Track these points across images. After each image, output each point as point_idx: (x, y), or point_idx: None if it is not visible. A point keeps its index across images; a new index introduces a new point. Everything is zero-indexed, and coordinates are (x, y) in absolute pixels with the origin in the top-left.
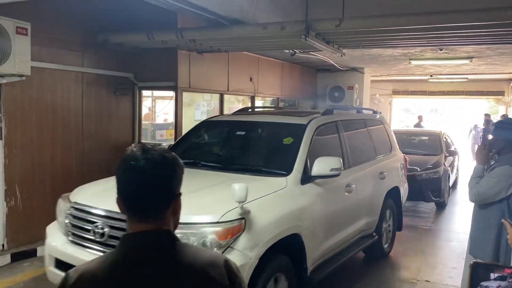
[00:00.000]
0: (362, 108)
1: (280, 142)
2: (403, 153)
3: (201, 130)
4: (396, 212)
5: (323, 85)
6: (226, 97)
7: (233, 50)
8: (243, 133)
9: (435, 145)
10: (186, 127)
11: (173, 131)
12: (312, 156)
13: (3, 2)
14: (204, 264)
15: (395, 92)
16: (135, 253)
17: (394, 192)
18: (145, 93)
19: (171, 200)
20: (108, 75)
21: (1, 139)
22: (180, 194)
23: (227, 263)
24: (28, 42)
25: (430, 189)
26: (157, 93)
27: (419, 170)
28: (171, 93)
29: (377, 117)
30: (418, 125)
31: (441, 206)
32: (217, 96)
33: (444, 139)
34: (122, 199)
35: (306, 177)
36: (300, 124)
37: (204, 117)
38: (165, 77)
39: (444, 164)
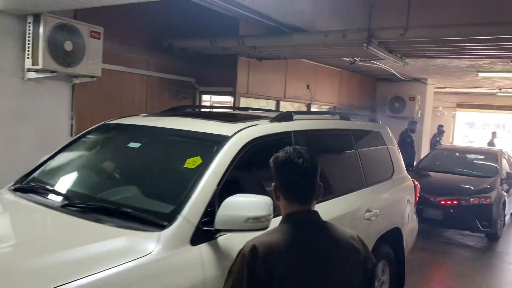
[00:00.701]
0: (351, 114)
1: (180, 163)
2: (450, 172)
3: (94, 138)
4: (396, 265)
5: (383, 95)
6: (282, 104)
7: (292, 57)
8: (137, 145)
9: (490, 166)
10: None
11: None
12: (234, 191)
13: (80, 7)
14: (349, 237)
15: (460, 105)
16: (304, 225)
17: (392, 236)
18: (204, 97)
19: (316, 188)
20: (171, 78)
21: (71, 135)
22: (320, 184)
23: (359, 237)
24: (101, 45)
25: (479, 217)
26: (215, 98)
27: (466, 194)
28: (229, 98)
29: (374, 127)
30: (491, 142)
31: (492, 239)
32: (273, 102)
33: (506, 159)
34: (285, 189)
35: (204, 232)
36: (219, 136)
37: None
38: (225, 82)
39: (499, 188)
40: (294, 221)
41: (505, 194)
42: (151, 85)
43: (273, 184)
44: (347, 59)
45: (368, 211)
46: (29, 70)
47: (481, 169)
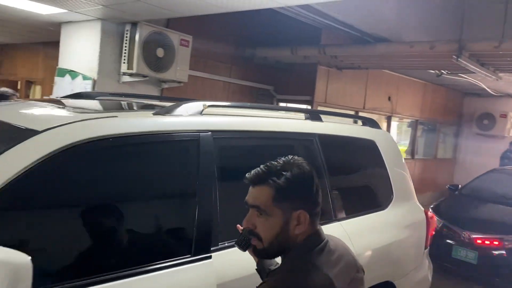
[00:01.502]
0: (316, 112)
1: None
2: (501, 202)
3: None
4: None
5: (471, 111)
6: (361, 114)
7: (374, 67)
8: None
9: None
10: None
11: None
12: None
13: (172, 17)
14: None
15: None
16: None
17: None
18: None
19: None
20: (251, 86)
21: None
22: None
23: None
24: (189, 53)
25: None
26: (291, 106)
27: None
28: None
29: (365, 133)
30: None
31: None
32: (351, 113)
33: None
34: (317, 205)
35: None
36: (22, 131)
37: None
38: (303, 91)
39: None
40: (323, 239)
41: None
42: (232, 92)
43: (296, 212)
44: (433, 72)
45: None
46: (124, 74)
47: None
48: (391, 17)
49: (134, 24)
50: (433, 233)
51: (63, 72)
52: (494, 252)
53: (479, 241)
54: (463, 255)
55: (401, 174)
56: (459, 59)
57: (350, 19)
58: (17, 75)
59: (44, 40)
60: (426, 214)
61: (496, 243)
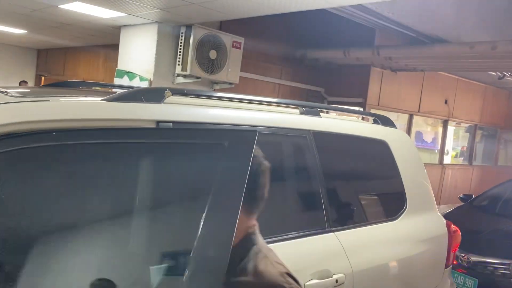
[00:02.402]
0: (313, 106)
1: None
2: (502, 216)
3: None
4: None
5: None
6: (415, 118)
7: (430, 69)
8: None
9: None
10: None
11: None
12: None
13: (225, 19)
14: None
15: None
16: None
17: None
18: None
19: None
20: (301, 88)
21: None
22: None
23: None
24: (240, 55)
25: None
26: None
27: None
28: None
29: (375, 133)
30: None
31: None
32: (405, 116)
33: None
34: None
35: None
36: None
37: None
38: (355, 93)
39: None
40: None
41: None
42: (282, 93)
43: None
44: (494, 74)
45: (316, 276)
46: (178, 75)
47: None
48: (448, 16)
49: (189, 27)
50: (455, 249)
51: (121, 74)
52: (497, 281)
53: (480, 266)
54: (461, 282)
55: (418, 181)
56: None
57: (405, 19)
58: (78, 76)
59: (104, 43)
60: (449, 227)
61: (501, 269)
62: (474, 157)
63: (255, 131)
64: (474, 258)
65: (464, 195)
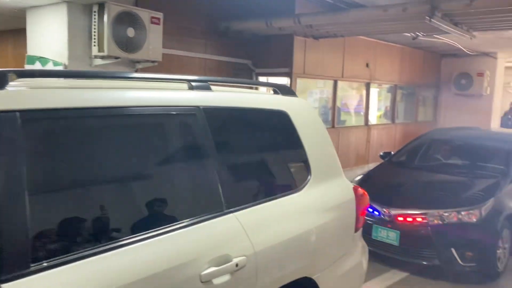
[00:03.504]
0: (203, 80)
1: None
2: (435, 171)
3: None
4: None
5: (448, 71)
6: (340, 84)
7: (350, 34)
8: None
9: (498, 161)
10: None
11: None
12: None
13: None
14: None
15: None
16: None
17: None
18: (261, 79)
19: None
20: (227, 61)
21: None
22: None
23: None
24: (161, 31)
25: (458, 244)
26: (272, 79)
27: (440, 206)
28: (286, 80)
29: (273, 103)
30: None
31: (487, 278)
32: (330, 83)
33: None
34: None
35: None
36: None
37: (316, 105)
38: (281, 63)
39: (503, 197)
40: None
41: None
42: (209, 68)
43: None
44: (409, 35)
45: (214, 264)
46: (95, 57)
47: (484, 167)
48: None
49: (101, 4)
50: (367, 210)
51: (32, 60)
52: (417, 230)
53: (400, 219)
54: (384, 235)
55: (322, 149)
56: (432, 19)
57: None
58: None
59: (12, 27)
60: (356, 191)
61: (419, 220)
62: (396, 115)
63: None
64: (394, 212)
65: (384, 152)
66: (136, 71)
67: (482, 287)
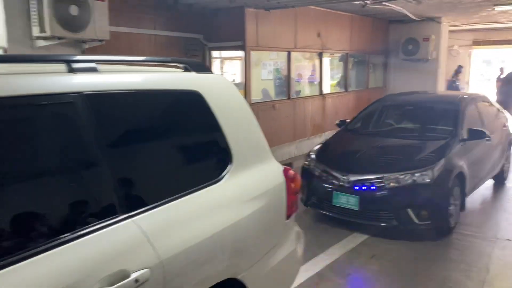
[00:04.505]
0: (84, 60)
1: None
2: (388, 135)
3: None
4: None
5: (396, 38)
6: (293, 54)
7: (300, 5)
8: None
9: (446, 122)
10: (254, 87)
11: (242, 91)
12: None
13: None
14: None
15: (476, 43)
16: None
17: None
18: (214, 54)
19: None
20: (178, 36)
21: None
22: None
23: None
24: (106, 8)
25: (412, 204)
26: (225, 53)
27: (394, 169)
28: (239, 53)
29: (181, 83)
30: (499, 79)
31: (440, 233)
32: (284, 54)
33: (477, 109)
34: None
35: None
36: None
37: (270, 77)
38: (234, 36)
39: (453, 157)
40: None
41: (464, 163)
42: (160, 45)
43: None
44: (358, 2)
45: (106, 283)
46: (38, 38)
47: (434, 129)
48: None
49: None
50: (296, 196)
51: None
52: (375, 194)
53: (358, 184)
54: (344, 201)
55: (246, 131)
56: None
57: None
58: None
59: None
60: (286, 174)
61: (376, 183)
62: (349, 84)
63: None
64: (353, 178)
65: (340, 121)
66: (83, 52)
67: (436, 242)
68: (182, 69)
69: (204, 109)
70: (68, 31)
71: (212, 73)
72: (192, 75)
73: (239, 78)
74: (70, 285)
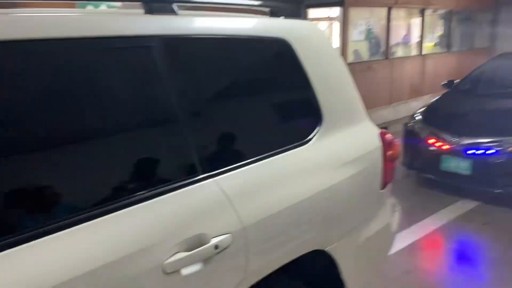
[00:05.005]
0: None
1: None
2: (490, 96)
3: None
4: None
5: None
6: (394, 11)
7: None
8: None
9: None
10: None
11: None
12: None
13: None
14: None
15: None
16: None
17: (311, 267)
18: (311, 12)
19: None
20: None
21: None
22: None
23: None
24: None
25: None
26: (319, 13)
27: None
28: (338, 10)
29: (266, 29)
30: None
31: None
32: (381, 12)
33: None
34: None
35: None
36: None
37: (361, 37)
38: None
39: None
40: None
41: None
42: None
43: None
44: None
45: (183, 248)
46: None
47: None
48: None
49: None
50: (393, 163)
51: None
52: (492, 158)
53: (472, 147)
54: (454, 165)
55: (338, 88)
56: None
57: None
58: None
59: None
60: (383, 138)
61: (495, 147)
62: (451, 43)
63: None
64: (465, 141)
65: (447, 81)
66: None
67: None
68: (268, 14)
69: (292, 60)
70: None
71: (303, 20)
72: (280, 20)
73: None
74: (146, 248)
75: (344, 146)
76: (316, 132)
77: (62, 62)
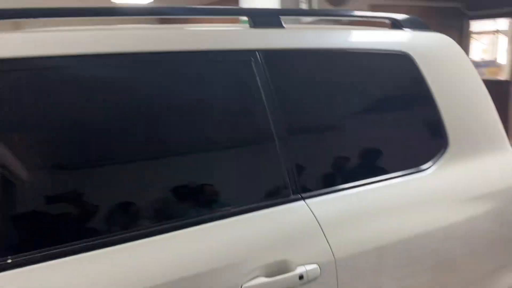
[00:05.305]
0: (269, 14)
1: None
2: None
3: None
4: None
5: None
6: None
7: None
8: None
9: None
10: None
11: (495, 70)
12: None
13: None
14: None
15: None
16: None
17: None
18: (473, 24)
19: None
20: (435, 6)
21: None
22: None
23: None
24: None
25: None
26: (487, 23)
27: None
28: (506, 22)
29: (383, 43)
30: None
31: None
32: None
33: None
34: None
35: None
36: None
37: None
38: (503, 1)
39: None
40: None
41: None
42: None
43: None
44: None
45: (264, 272)
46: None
47: None
48: None
49: None
50: None
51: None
52: None
53: None
54: None
55: (470, 108)
56: None
57: None
58: None
59: None
60: None
61: None
62: None
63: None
64: None
65: None
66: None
67: None
68: (389, 26)
69: (414, 76)
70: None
71: (429, 30)
72: (401, 33)
73: (492, 55)
74: (228, 265)
75: (474, 177)
76: (438, 159)
77: (190, 73)
